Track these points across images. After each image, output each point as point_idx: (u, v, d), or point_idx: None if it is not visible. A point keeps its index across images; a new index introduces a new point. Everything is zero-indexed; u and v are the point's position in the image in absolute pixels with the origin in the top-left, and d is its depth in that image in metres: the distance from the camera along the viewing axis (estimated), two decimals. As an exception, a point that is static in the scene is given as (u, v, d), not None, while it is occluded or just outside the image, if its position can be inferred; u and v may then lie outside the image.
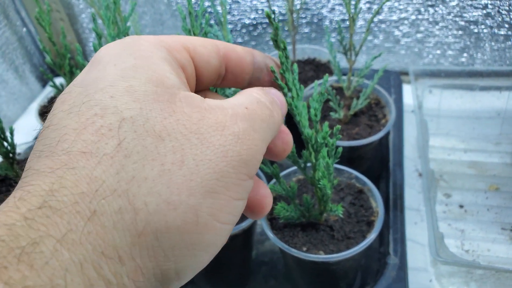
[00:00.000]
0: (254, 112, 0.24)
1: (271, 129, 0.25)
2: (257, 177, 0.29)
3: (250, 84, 0.30)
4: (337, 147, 0.45)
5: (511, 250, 0.66)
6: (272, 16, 0.30)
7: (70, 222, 0.18)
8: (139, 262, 0.20)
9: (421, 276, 0.65)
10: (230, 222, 0.23)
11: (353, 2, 0.55)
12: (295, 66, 0.35)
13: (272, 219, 0.51)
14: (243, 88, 0.31)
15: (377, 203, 0.51)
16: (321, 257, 0.45)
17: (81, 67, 0.59)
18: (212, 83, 0.29)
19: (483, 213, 0.72)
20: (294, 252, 0.46)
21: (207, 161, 0.21)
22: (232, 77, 0.29)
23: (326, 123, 0.42)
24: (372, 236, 0.47)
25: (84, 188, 0.19)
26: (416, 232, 0.71)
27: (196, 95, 0.24)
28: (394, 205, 0.60)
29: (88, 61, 0.26)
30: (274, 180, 0.52)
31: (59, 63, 0.75)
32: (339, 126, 0.44)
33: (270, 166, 0.47)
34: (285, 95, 0.34)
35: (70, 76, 0.77)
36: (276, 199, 0.53)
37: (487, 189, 0.76)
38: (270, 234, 0.48)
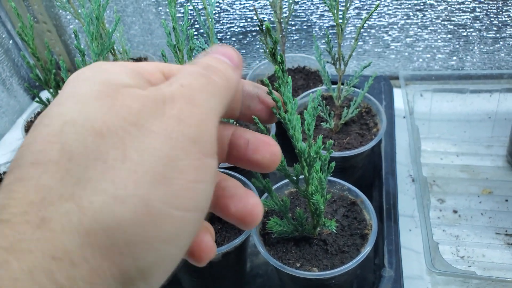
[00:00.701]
0: (190, 87, 0.23)
1: (216, 95, 0.24)
2: (247, 187, 0.28)
3: (241, 113, 0.30)
4: (330, 161, 0.45)
5: (505, 255, 0.66)
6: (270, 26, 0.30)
7: (20, 232, 0.18)
8: (92, 263, 0.19)
9: (416, 284, 0.64)
10: (192, 209, 0.21)
11: (341, 11, 0.54)
12: (290, 79, 0.35)
13: (264, 234, 0.51)
14: (235, 118, 0.30)
15: (370, 215, 0.50)
16: (314, 274, 0.44)
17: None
18: None
19: (477, 218, 0.72)
20: (288, 269, 0.45)
21: (152, 149, 0.20)
22: None
23: (320, 136, 0.41)
24: (366, 249, 0.46)
25: (32, 197, 0.19)
26: (411, 239, 0.70)
27: (139, 89, 0.23)
28: (388, 215, 0.59)
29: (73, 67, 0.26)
30: (266, 194, 0.51)
31: (44, 78, 0.74)
32: (331, 141, 0.43)
33: (262, 180, 0.46)
34: (279, 108, 0.33)
35: (56, 90, 0.76)
36: (268, 214, 0.52)
37: (480, 193, 0.76)
38: (262, 251, 0.47)
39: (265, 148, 0.28)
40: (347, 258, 0.46)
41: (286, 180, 0.55)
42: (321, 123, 0.66)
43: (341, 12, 0.53)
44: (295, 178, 0.44)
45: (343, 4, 0.53)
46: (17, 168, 0.20)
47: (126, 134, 0.20)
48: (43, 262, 0.18)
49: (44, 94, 0.77)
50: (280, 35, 0.72)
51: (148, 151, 0.20)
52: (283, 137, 0.38)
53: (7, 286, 0.17)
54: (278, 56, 0.33)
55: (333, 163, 0.44)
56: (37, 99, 0.75)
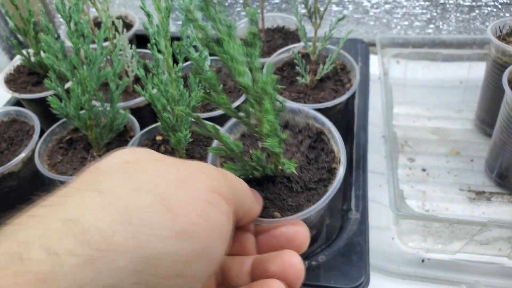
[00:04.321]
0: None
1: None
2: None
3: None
4: (281, 103, 0.40)
5: (467, 208, 0.69)
6: None
7: None
8: None
9: (384, 234, 0.68)
10: None
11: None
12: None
13: None
14: None
15: (338, 147, 0.46)
16: (274, 220, 0.40)
17: (45, 30, 0.58)
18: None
19: (443, 176, 0.76)
20: None
21: None
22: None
23: (271, 63, 0.37)
24: (334, 185, 0.42)
25: None
26: (380, 194, 0.74)
27: None
28: (357, 165, 0.62)
29: (57, 37, 0.28)
30: (216, 142, 0.46)
31: (23, 29, 0.74)
32: (276, 76, 0.37)
33: (209, 129, 0.40)
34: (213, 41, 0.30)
35: (36, 43, 0.76)
36: (224, 157, 0.48)
37: (448, 153, 0.79)
38: None
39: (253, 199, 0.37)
40: (313, 195, 0.42)
41: (235, 120, 0.47)
42: (297, 78, 0.68)
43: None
44: (246, 118, 0.38)
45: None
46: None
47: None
48: None
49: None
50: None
51: None
52: None
53: None
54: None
55: (284, 103, 0.39)
56: (17, 51, 0.75)
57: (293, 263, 0.33)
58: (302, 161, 0.46)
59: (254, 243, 0.38)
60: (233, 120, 0.50)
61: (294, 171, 0.41)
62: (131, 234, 0.24)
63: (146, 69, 0.79)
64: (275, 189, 0.43)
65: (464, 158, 0.78)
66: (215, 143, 0.47)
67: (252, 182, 0.43)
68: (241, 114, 0.37)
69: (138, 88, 0.54)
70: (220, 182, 0.30)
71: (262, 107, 0.36)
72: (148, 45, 0.50)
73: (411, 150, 0.81)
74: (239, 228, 0.38)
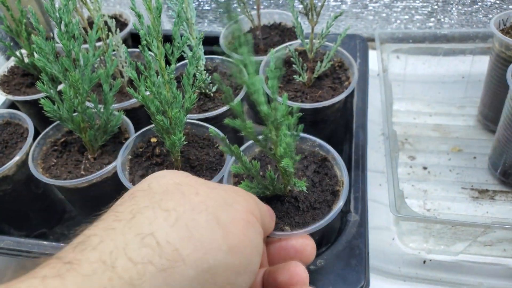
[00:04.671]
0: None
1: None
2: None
3: None
4: (298, 124, 0.44)
5: (469, 207, 0.68)
6: None
7: None
8: None
9: (384, 234, 0.66)
10: None
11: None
12: (249, 38, 0.33)
13: None
14: None
15: (342, 171, 0.50)
16: (286, 234, 0.44)
17: (36, 32, 0.57)
18: None
19: (445, 174, 0.74)
20: None
21: None
22: None
23: (285, 95, 0.40)
24: (338, 205, 0.46)
25: None
26: (380, 193, 0.72)
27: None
28: (356, 165, 0.60)
29: (50, 30, 0.29)
30: (233, 158, 0.53)
31: (16, 30, 0.73)
32: (299, 106, 0.42)
33: (231, 147, 0.44)
34: (240, 71, 0.33)
35: (29, 44, 0.75)
36: (238, 177, 0.53)
37: (450, 150, 0.78)
38: None
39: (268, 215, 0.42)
40: (318, 214, 0.47)
41: (250, 142, 0.55)
42: (294, 77, 0.66)
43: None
44: (264, 141, 0.42)
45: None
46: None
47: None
48: None
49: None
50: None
51: None
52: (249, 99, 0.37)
53: None
54: (232, 12, 0.31)
55: (301, 126, 0.43)
56: (10, 52, 0.74)
57: (299, 272, 0.38)
58: (308, 184, 0.50)
59: (266, 254, 0.43)
60: (248, 143, 0.55)
61: (305, 189, 0.45)
62: (194, 247, 0.29)
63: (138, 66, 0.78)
64: (283, 208, 0.48)
65: (466, 156, 0.77)
66: (230, 161, 0.53)
67: (263, 200, 0.47)
68: (260, 137, 0.41)
69: (130, 90, 0.53)
70: (253, 205, 0.35)
71: (280, 132, 0.39)
72: (140, 46, 0.48)
73: (411, 147, 0.79)
74: None
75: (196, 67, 0.65)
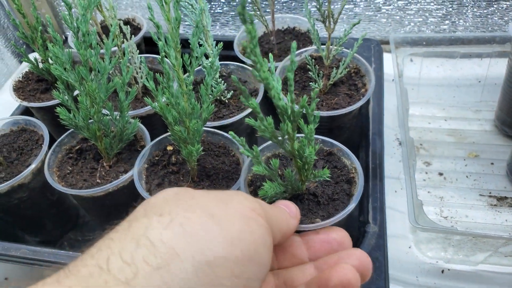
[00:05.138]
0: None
1: (278, 232, 0.39)
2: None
3: None
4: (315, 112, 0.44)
5: (488, 215, 0.67)
6: None
7: None
8: None
9: (400, 243, 0.66)
10: None
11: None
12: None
13: None
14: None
15: (351, 159, 0.52)
16: (320, 223, 0.45)
17: (53, 40, 0.57)
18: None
19: (462, 180, 0.73)
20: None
21: None
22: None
23: (305, 97, 0.41)
24: (358, 190, 0.48)
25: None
26: (396, 200, 0.72)
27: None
28: (374, 174, 0.60)
29: (65, 39, 0.30)
30: (246, 166, 0.53)
31: (31, 36, 0.73)
32: (317, 90, 0.43)
33: (250, 150, 0.46)
34: (258, 70, 0.34)
35: (44, 50, 0.74)
36: (253, 181, 0.53)
37: (467, 156, 0.77)
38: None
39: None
40: (339, 204, 0.48)
41: (264, 144, 0.55)
42: (310, 83, 0.66)
43: (331, -33, 0.52)
44: (280, 138, 0.43)
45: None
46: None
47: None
48: None
49: (32, 57, 0.76)
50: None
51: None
52: (270, 101, 0.38)
53: None
54: (247, 16, 0.32)
55: (318, 113, 0.43)
56: (24, 58, 0.74)
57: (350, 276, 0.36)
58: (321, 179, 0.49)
59: (304, 250, 0.42)
60: (263, 145, 0.56)
61: (328, 176, 0.46)
62: (188, 242, 0.29)
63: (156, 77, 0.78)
64: (304, 206, 0.49)
65: (483, 162, 0.76)
66: (247, 162, 0.54)
67: None
68: (279, 135, 0.42)
69: (148, 100, 0.53)
70: (254, 203, 0.36)
71: (300, 123, 0.41)
72: (158, 58, 0.48)
73: (427, 153, 0.79)
74: (286, 241, 0.43)
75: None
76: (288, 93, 0.40)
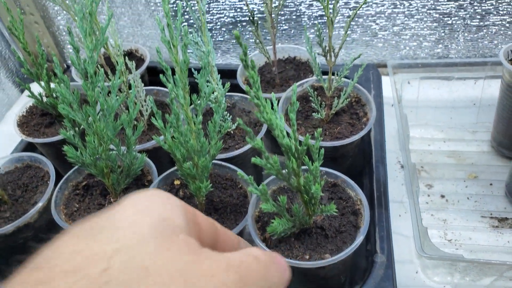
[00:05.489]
0: (249, 267, 0.24)
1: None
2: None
3: None
4: (319, 148, 0.45)
5: (491, 237, 0.68)
6: (240, 37, 0.30)
7: None
8: None
9: (407, 268, 0.67)
10: None
11: (331, 3, 0.55)
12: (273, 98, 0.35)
13: (264, 239, 0.52)
14: None
15: (356, 191, 0.53)
16: (329, 260, 0.46)
17: (59, 79, 0.58)
18: None
19: (463, 202, 0.75)
20: (304, 264, 0.46)
21: None
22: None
23: (308, 135, 0.42)
24: (365, 222, 0.49)
25: None
26: (400, 224, 0.73)
27: (196, 242, 0.25)
28: (379, 202, 0.61)
29: (67, 67, 0.27)
30: (255, 198, 0.54)
31: (36, 72, 0.74)
32: (320, 130, 0.44)
33: (258, 188, 0.46)
34: (261, 112, 0.36)
35: (48, 84, 0.75)
36: (260, 217, 0.54)
37: (467, 177, 0.79)
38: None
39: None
40: (347, 237, 0.49)
41: (270, 178, 0.56)
42: (313, 114, 0.67)
43: (331, 5, 0.54)
44: (287, 175, 0.44)
45: (333, -2, 0.54)
46: (48, 269, 0.22)
47: (171, 280, 0.22)
48: None
49: (34, 87, 0.77)
50: (271, 26, 0.72)
51: None
52: (270, 135, 0.40)
53: None
54: (250, 62, 0.33)
55: (322, 150, 0.44)
56: (28, 93, 0.75)
57: None
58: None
59: None
60: (269, 179, 0.57)
61: (335, 211, 0.47)
62: None
63: (161, 106, 0.79)
64: (312, 240, 0.50)
65: (483, 182, 0.77)
66: (254, 196, 0.55)
67: (291, 237, 0.49)
68: (284, 172, 0.43)
69: (156, 138, 0.54)
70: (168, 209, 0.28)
71: (305, 160, 0.42)
72: (167, 99, 0.49)
73: (428, 175, 0.80)
74: None
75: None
76: (291, 132, 0.41)
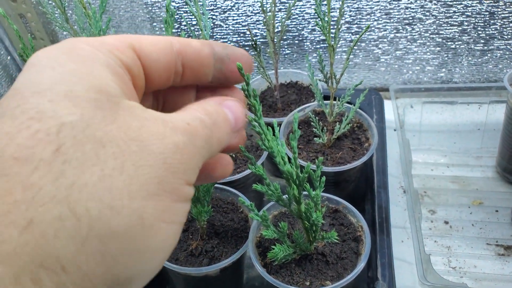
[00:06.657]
0: (195, 130, 0.25)
1: (209, 149, 0.26)
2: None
3: (213, 77, 0.30)
4: (322, 176, 0.46)
5: (496, 265, 0.67)
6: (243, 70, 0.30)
7: (3, 233, 0.18)
8: (85, 270, 0.19)
9: (410, 295, 0.65)
10: (176, 222, 0.23)
11: (333, 31, 0.56)
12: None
13: (265, 265, 0.52)
14: (206, 83, 0.31)
15: (357, 217, 0.53)
16: (331, 287, 0.46)
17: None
18: (167, 81, 0.28)
19: (468, 229, 0.74)
20: None
21: (147, 167, 0.21)
22: (191, 73, 0.29)
23: (309, 164, 0.42)
24: (366, 250, 0.49)
25: (18, 196, 0.18)
26: (403, 250, 0.72)
27: (138, 105, 0.24)
28: (381, 228, 0.61)
29: None
30: (256, 223, 0.54)
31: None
32: (321, 158, 0.45)
33: (259, 214, 0.47)
34: (263, 140, 0.36)
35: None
36: (261, 243, 0.53)
37: (471, 204, 0.78)
38: (271, 280, 0.48)
39: (219, 160, 0.31)
40: (347, 263, 0.49)
41: (270, 204, 0.57)
42: (314, 138, 0.68)
43: (332, 33, 0.55)
44: (287, 201, 0.45)
45: (335, 25, 0.55)
46: None
47: (126, 147, 0.21)
48: (31, 268, 0.18)
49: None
50: (273, 51, 0.74)
51: (145, 168, 0.21)
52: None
53: None
54: (252, 92, 0.34)
55: (324, 178, 0.45)
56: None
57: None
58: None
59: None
60: (270, 203, 0.57)
61: (336, 239, 0.47)
62: None
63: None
64: (313, 266, 0.50)
65: (488, 209, 0.76)
66: (255, 222, 0.54)
67: (292, 263, 0.49)
68: (285, 198, 0.44)
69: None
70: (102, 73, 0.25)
71: (306, 187, 0.43)
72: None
73: (431, 201, 0.79)
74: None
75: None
76: (293, 159, 0.41)
